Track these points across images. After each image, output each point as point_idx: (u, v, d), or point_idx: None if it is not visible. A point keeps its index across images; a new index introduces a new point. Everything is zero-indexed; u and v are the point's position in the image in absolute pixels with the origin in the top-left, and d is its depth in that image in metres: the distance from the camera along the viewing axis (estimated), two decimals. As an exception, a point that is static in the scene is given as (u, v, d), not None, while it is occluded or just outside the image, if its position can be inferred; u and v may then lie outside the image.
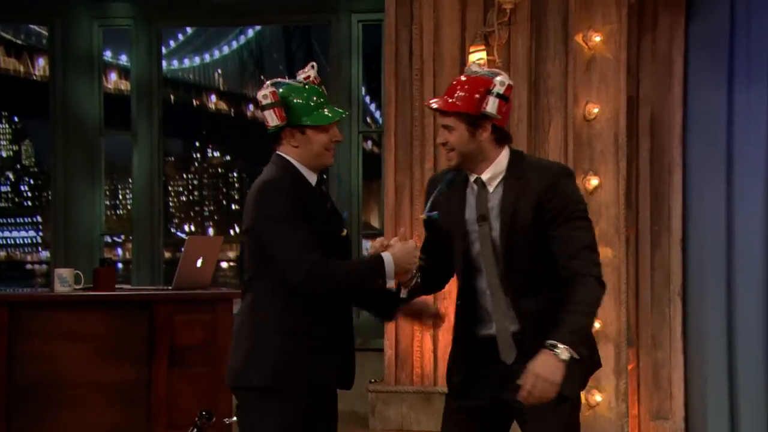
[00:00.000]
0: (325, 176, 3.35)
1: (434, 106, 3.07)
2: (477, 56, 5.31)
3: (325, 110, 3.14)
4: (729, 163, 5.17)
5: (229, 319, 4.94)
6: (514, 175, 3.01)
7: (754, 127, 5.10)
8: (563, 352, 2.83)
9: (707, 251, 5.23)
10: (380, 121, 5.86)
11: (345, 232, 3.20)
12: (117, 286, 5.15)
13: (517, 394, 2.87)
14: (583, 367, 3.02)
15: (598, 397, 5.13)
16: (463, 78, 3.08)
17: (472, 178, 3.06)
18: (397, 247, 3.02)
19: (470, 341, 3.08)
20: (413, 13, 5.53)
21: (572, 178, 3.07)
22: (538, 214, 2.96)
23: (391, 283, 2.99)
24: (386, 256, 3.00)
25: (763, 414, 5.04)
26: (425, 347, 5.45)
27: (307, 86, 3.16)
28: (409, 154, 5.52)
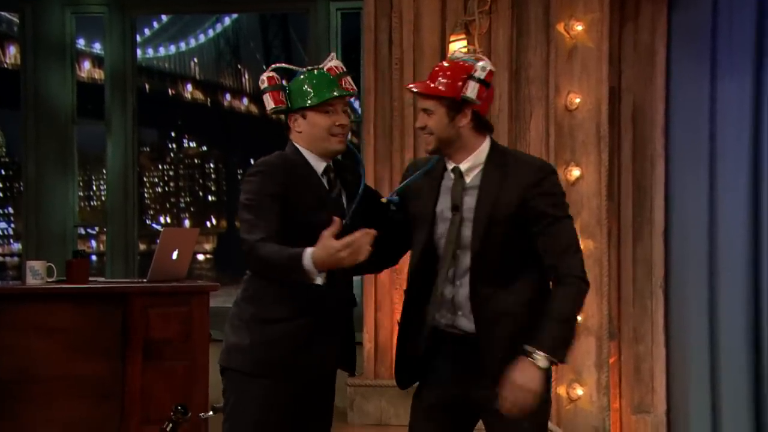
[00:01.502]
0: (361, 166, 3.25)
1: (414, 89, 3.03)
2: (458, 45, 5.26)
3: (326, 92, 3.09)
4: (712, 154, 5.13)
5: (205, 312, 4.91)
6: (495, 167, 2.96)
7: (737, 118, 5.06)
8: (542, 360, 2.81)
9: (690, 243, 5.19)
10: (359, 112, 5.79)
11: (343, 223, 3.08)
12: (90, 278, 5.12)
13: (497, 404, 2.84)
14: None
15: (579, 391, 5.09)
16: (445, 63, 3.04)
17: (450, 167, 3.01)
18: (320, 246, 2.81)
19: (420, 333, 3.03)
20: (393, 2, 5.48)
21: (556, 175, 3.03)
22: (520, 210, 2.91)
23: (319, 280, 2.83)
24: (307, 254, 2.81)
25: (745, 407, 5.01)
26: (405, 341, 5.38)
27: (315, 71, 3.14)
28: (389, 144, 5.46)
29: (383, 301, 5.44)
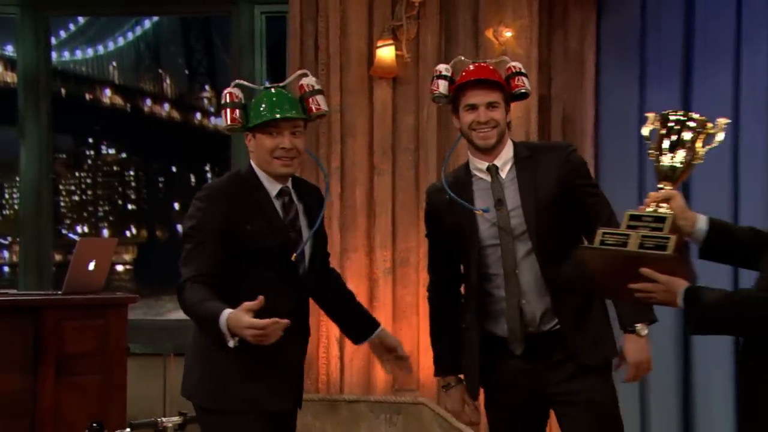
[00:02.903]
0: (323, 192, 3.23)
1: (487, 78, 3.08)
2: (386, 51, 5.18)
3: (268, 112, 2.99)
4: (641, 162, 5.12)
5: (123, 325, 4.78)
6: (523, 160, 3.13)
7: (666, 126, 5.04)
8: (642, 329, 3.08)
9: (619, 252, 5.15)
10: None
11: (294, 256, 3.03)
12: (1, 290, 4.95)
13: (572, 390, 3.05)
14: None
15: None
16: (480, 64, 3.15)
17: (482, 167, 3.11)
18: (235, 314, 2.75)
19: (484, 339, 3.13)
20: (319, 6, 5.41)
21: (576, 149, 3.26)
22: (560, 190, 3.09)
23: (231, 343, 2.76)
24: (223, 317, 2.75)
25: (674, 417, 5.00)
26: (331, 353, 5.26)
27: (273, 89, 3.05)
28: (315, 151, 5.36)
29: (311, 312, 5.30)
